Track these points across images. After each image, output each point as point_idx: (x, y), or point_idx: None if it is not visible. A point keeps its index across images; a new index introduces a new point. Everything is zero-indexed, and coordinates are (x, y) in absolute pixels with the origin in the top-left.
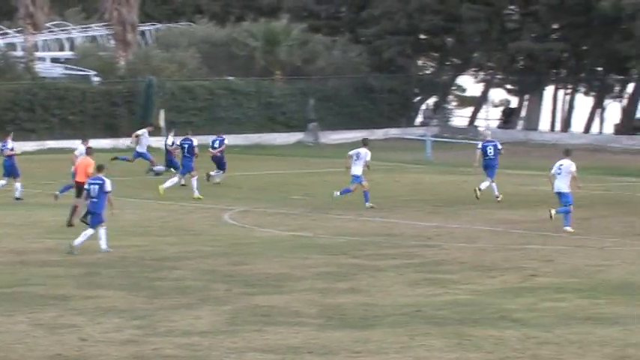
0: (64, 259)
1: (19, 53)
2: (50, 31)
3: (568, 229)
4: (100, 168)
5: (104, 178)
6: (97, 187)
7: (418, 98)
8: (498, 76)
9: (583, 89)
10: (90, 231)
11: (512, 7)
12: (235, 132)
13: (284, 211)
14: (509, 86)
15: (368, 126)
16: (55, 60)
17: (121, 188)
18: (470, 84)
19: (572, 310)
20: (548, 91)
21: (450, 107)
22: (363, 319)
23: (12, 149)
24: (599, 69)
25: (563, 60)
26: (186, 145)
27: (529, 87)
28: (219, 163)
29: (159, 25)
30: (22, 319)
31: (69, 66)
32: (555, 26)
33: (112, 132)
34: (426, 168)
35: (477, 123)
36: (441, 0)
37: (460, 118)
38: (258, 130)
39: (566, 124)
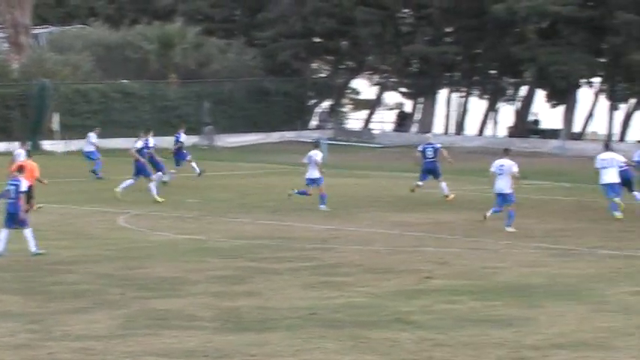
0: None
1: None
2: None
3: (510, 229)
4: (20, 169)
5: (21, 179)
6: (14, 187)
7: (313, 101)
8: (392, 80)
9: (477, 92)
10: (4, 232)
11: (406, 10)
12: (130, 135)
13: (179, 215)
14: (403, 89)
15: (263, 129)
16: None
17: None
18: (364, 87)
19: (466, 312)
20: (442, 94)
21: (344, 110)
22: (259, 323)
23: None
24: (493, 72)
25: (456, 63)
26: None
27: (423, 90)
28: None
29: (52, 28)
30: None
31: None
32: (449, 29)
33: (6, 135)
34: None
35: (371, 126)
36: (336, 3)
37: (355, 121)
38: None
39: (460, 126)
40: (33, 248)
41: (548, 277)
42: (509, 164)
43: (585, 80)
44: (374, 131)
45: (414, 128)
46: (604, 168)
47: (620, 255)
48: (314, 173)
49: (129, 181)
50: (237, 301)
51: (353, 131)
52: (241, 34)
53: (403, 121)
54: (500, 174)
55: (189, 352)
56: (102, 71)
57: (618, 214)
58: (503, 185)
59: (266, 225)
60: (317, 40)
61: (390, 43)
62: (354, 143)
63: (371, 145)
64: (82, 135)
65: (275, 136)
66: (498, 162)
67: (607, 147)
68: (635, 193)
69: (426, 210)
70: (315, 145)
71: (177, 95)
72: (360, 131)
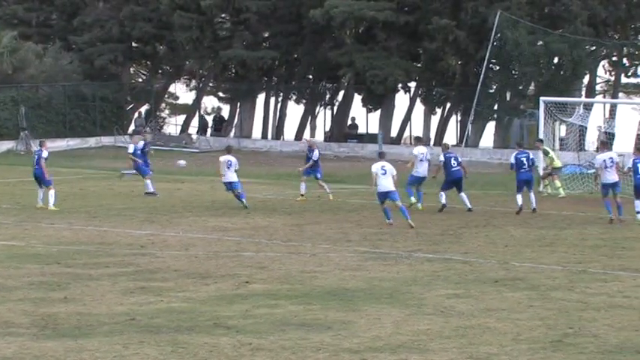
0: None
1: None
2: None
3: (410, 222)
4: None
5: None
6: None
7: (131, 106)
8: (211, 84)
9: (295, 97)
10: None
11: (223, 15)
12: None
13: None
14: (221, 94)
15: (80, 134)
16: None
17: None
18: (182, 92)
19: (286, 316)
20: (260, 98)
21: (162, 115)
22: (77, 329)
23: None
24: (311, 77)
25: (274, 68)
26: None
27: (241, 95)
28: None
29: None
30: None
31: None
32: (266, 34)
33: None
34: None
35: (190, 131)
36: (153, 8)
37: (173, 125)
38: None
39: (279, 131)
40: None
41: (367, 280)
42: (390, 167)
43: (402, 85)
44: (192, 136)
45: (232, 132)
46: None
47: (437, 258)
48: (233, 177)
49: None
50: (55, 307)
51: (171, 136)
52: (58, 39)
53: (219, 125)
54: (383, 174)
55: (6, 359)
56: None
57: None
58: (389, 184)
59: (84, 230)
60: (134, 44)
61: (208, 47)
62: (172, 148)
63: (190, 150)
64: None
65: (92, 141)
66: (380, 164)
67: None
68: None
69: (245, 215)
70: (228, 150)
71: None
72: (179, 136)
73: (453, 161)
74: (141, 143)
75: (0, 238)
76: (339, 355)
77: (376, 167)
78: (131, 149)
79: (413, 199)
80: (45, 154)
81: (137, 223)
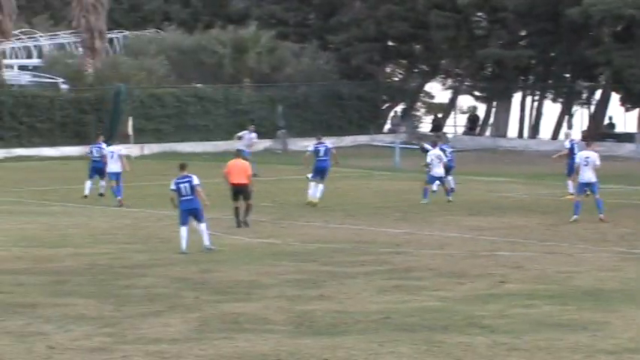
0: (32, 267)
1: None
2: (18, 39)
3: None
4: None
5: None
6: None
7: (386, 105)
8: (466, 83)
9: (551, 96)
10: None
11: (480, 14)
12: (204, 139)
13: (253, 218)
14: (477, 93)
15: (336, 133)
16: (22, 67)
17: (88, 196)
18: (438, 91)
19: (541, 317)
20: (516, 97)
21: (418, 114)
22: (332, 326)
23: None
24: (567, 75)
25: (531, 67)
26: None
27: (497, 94)
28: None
29: (127, 33)
30: None
31: (37, 73)
32: (523, 33)
33: (81, 139)
34: (395, 175)
35: (444, 130)
36: (410, 7)
37: (428, 124)
38: (226, 138)
39: (534, 130)
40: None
41: (623, 281)
42: (594, 156)
43: None
44: (447, 135)
45: (488, 132)
46: None
47: None
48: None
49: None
50: (310, 304)
51: (426, 135)
52: (315, 38)
53: (474, 124)
54: (585, 165)
55: (263, 355)
56: (176, 76)
57: None
58: (590, 175)
59: (340, 229)
60: (391, 43)
61: (464, 46)
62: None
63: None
64: (156, 139)
65: (348, 140)
66: (584, 153)
67: None
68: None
69: (500, 214)
70: (434, 144)
71: (250, 99)
72: (434, 135)
73: None
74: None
75: (257, 236)
76: (595, 356)
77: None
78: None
79: None
80: (107, 148)
81: (393, 222)
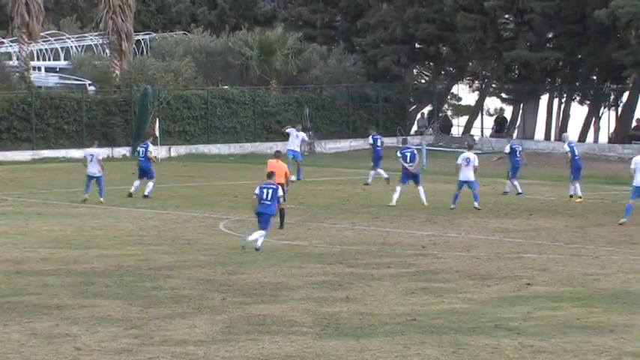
0: (59, 269)
1: (14, 62)
2: (45, 41)
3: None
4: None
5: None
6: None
7: (413, 107)
8: (493, 85)
9: (578, 98)
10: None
11: (507, 16)
12: (230, 141)
13: (279, 220)
14: (504, 95)
15: (363, 135)
16: (50, 69)
17: (115, 197)
18: (465, 93)
19: (567, 319)
20: (544, 99)
21: (451, 116)
22: (359, 328)
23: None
24: (594, 78)
25: (558, 69)
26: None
27: (524, 96)
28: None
29: (154, 35)
30: (17, 328)
31: (64, 75)
32: (550, 35)
33: (108, 141)
34: (422, 177)
35: (472, 132)
36: (437, 9)
37: (455, 127)
38: (253, 139)
39: (562, 132)
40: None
41: None
42: None
43: None
44: (475, 137)
45: (515, 134)
46: None
47: None
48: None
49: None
50: (336, 306)
51: (454, 137)
52: (342, 40)
53: (501, 126)
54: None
55: (289, 357)
56: (203, 77)
57: None
58: None
59: (366, 231)
60: (417, 45)
61: (491, 48)
62: (455, 149)
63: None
64: (183, 141)
65: None
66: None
67: None
68: None
69: (527, 216)
70: (469, 147)
71: (277, 101)
72: (461, 137)
73: None
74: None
75: (283, 237)
76: (622, 359)
77: None
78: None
79: None
80: (151, 147)
81: (419, 224)
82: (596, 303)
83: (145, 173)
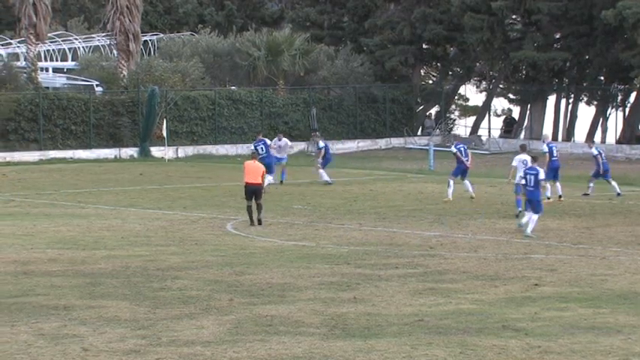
0: (66, 269)
1: (21, 63)
2: (53, 42)
3: None
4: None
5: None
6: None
7: (421, 108)
8: (501, 86)
9: (585, 99)
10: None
11: (514, 16)
12: (238, 142)
13: (286, 221)
14: (511, 95)
15: (370, 135)
16: (57, 70)
17: (122, 198)
18: (472, 93)
19: (575, 320)
20: (551, 100)
21: (452, 117)
22: (366, 329)
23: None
24: (602, 78)
25: (565, 69)
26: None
27: (532, 96)
28: None
29: (162, 35)
30: (24, 329)
31: (71, 76)
32: (557, 35)
33: (115, 142)
34: (429, 177)
35: (479, 132)
36: (444, 9)
37: (463, 127)
38: None
39: (569, 133)
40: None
41: None
42: None
43: None
44: (482, 137)
45: (522, 134)
46: None
47: None
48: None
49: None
50: (344, 307)
51: (461, 138)
52: (349, 41)
53: (509, 127)
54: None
55: (297, 358)
56: (210, 78)
57: None
58: None
59: (373, 231)
60: (425, 46)
61: (499, 49)
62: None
63: (479, 152)
64: (190, 141)
65: (382, 143)
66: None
67: None
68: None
69: None
70: (522, 148)
71: (285, 102)
72: (469, 137)
73: None
74: None
75: (291, 238)
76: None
77: None
78: None
79: None
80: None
81: (426, 225)
82: (604, 304)
83: (266, 168)
